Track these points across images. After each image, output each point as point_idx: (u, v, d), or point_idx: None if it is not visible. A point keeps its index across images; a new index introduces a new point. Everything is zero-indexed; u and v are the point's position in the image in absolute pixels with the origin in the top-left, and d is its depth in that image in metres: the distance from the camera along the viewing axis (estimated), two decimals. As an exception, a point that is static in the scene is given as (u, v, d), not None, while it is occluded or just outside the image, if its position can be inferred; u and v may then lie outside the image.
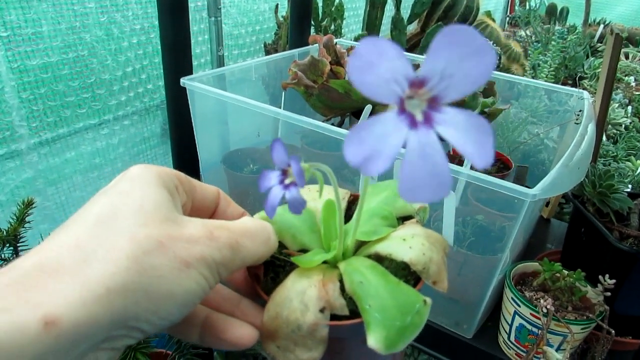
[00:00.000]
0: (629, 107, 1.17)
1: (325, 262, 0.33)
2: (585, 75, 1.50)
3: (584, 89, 1.14)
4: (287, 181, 0.30)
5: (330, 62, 0.81)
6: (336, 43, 0.87)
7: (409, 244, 0.32)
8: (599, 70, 1.41)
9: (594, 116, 0.74)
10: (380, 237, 0.33)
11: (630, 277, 0.61)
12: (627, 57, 1.65)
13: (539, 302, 0.57)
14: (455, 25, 0.19)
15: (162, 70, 0.88)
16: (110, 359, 0.23)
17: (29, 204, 0.66)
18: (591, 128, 0.67)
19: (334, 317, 0.29)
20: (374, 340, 0.26)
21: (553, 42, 1.42)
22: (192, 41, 0.86)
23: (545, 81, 1.17)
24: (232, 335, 0.29)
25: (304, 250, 0.34)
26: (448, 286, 0.32)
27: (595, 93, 0.79)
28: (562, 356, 0.55)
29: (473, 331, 0.65)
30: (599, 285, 0.59)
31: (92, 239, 0.23)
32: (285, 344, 0.29)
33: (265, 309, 0.30)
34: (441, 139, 0.21)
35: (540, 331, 0.57)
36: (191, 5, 1.02)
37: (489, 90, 0.84)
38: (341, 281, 0.30)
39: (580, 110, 0.77)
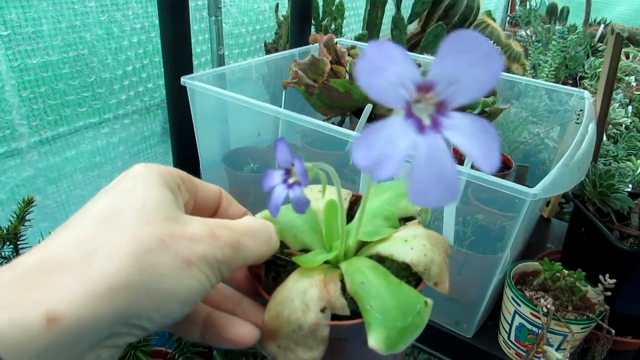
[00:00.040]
0: (630, 107, 1.17)
1: (326, 262, 0.33)
2: (586, 75, 1.50)
3: (585, 88, 1.14)
4: (290, 180, 0.30)
5: (330, 62, 0.81)
6: (336, 42, 0.87)
7: (410, 245, 0.32)
8: (600, 69, 1.42)
9: (594, 116, 0.74)
10: (382, 237, 0.33)
11: (630, 277, 0.61)
12: (627, 57, 1.65)
13: (539, 301, 0.57)
14: (463, 31, 0.20)
15: (162, 69, 0.88)
16: (112, 356, 0.23)
17: (29, 203, 0.66)
18: (592, 128, 0.67)
19: (335, 317, 0.29)
20: (374, 340, 0.26)
21: (553, 42, 1.42)
22: (193, 40, 0.86)
23: (546, 81, 1.17)
24: (234, 333, 0.29)
25: (305, 250, 0.34)
26: (449, 286, 0.32)
27: (595, 93, 0.79)
28: (562, 356, 0.55)
29: (473, 330, 0.65)
30: (599, 284, 0.59)
31: (95, 237, 0.23)
32: (286, 344, 0.29)
33: (266, 308, 0.30)
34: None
35: (540, 331, 0.57)
36: (191, 4, 1.02)
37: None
38: (342, 281, 0.30)
39: (581, 110, 0.77)
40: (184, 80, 0.75)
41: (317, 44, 0.85)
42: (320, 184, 0.32)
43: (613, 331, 0.57)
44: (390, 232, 0.34)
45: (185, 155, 0.91)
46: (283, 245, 0.34)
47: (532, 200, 0.50)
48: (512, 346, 0.62)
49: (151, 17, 1.13)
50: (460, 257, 0.62)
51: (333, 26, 1.46)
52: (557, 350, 0.57)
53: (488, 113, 0.78)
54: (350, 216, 0.37)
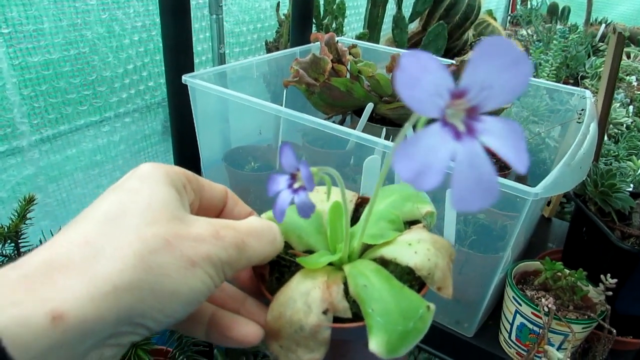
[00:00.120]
0: (631, 107, 1.17)
1: (330, 263, 0.33)
2: (587, 75, 1.50)
3: (586, 88, 1.14)
4: (295, 185, 0.30)
5: (331, 60, 0.81)
6: (338, 41, 0.86)
7: (414, 248, 0.32)
8: (601, 69, 1.41)
9: (596, 115, 0.74)
10: (387, 240, 0.33)
11: (631, 277, 0.61)
12: (628, 57, 1.65)
13: (540, 301, 0.57)
14: (493, 37, 0.20)
15: (163, 68, 0.87)
16: (115, 355, 0.24)
17: (30, 201, 0.66)
18: (593, 127, 0.67)
19: (338, 319, 0.29)
20: (375, 344, 0.26)
21: (554, 41, 1.42)
22: (194, 38, 0.86)
23: (547, 80, 1.16)
24: (238, 333, 0.29)
25: (309, 251, 0.34)
26: (452, 291, 0.32)
27: (596, 92, 0.79)
28: (563, 355, 0.55)
29: (474, 330, 0.65)
30: (600, 284, 0.59)
31: (101, 236, 0.23)
32: (287, 344, 0.29)
33: (269, 309, 0.30)
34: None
35: (541, 330, 0.57)
36: (193, 2, 1.02)
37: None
38: (346, 284, 0.30)
39: (582, 109, 0.77)
40: (185, 78, 0.75)
41: (318, 42, 0.85)
42: (326, 185, 0.32)
43: (614, 331, 0.57)
44: (395, 235, 0.34)
45: (186, 154, 0.91)
46: (287, 245, 0.34)
47: (534, 200, 0.50)
48: (513, 345, 0.62)
49: (152, 15, 1.13)
50: (462, 256, 0.62)
51: (334, 25, 1.46)
52: (558, 349, 0.57)
53: (489, 112, 0.78)
54: (355, 218, 0.37)
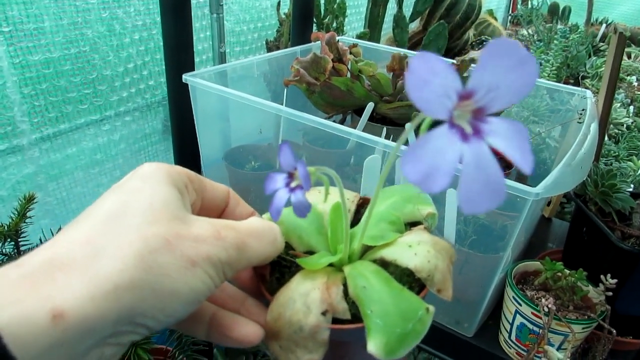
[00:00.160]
0: (631, 107, 1.17)
1: (331, 264, 0.33)
2: (588, 75, 1.49)
3: (586, 88, 1.14)
4: (293, 184, 0.30)
5: (332, 60, 0.81)
6: (338, 40, 0.86)
7: (414, 250, 0.32)
8: (601, 69, 1.41)
9: (596, 115, 0.74)
10: (387, 242, 0.33)
11: (632, 277, 0.61)
12: (629, 57, 1.64)
13: (540, 301, 0.57)
14: (500, 38, 0.20)
15: (163, 67, 0.87)
16: (116, 354, 0.24)
17: (30, 199, 0.66)
18: (594, 127, 0.67)
19: (337, 320, 0.29)
20: (373, 346, 0.26)
21: (555, 41, 1.42)
22: (194, 38, 0.86)
23: (548, 80, 1.16)
24: (239, 333, 0.29)
25: (310, 252, 0.34)
26: (452, 293, 0.31)
27: (597, 92, 0.79)
28: (563, 355, 0.55)
29: (474, 330, 0.65)
30: (600, 284, 0.59)
31: (102, 236, 0.24)
32: (287, 344, 0.29)
33: (269, 309, 0.30)
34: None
35: (541, 330, 0.57)
36: (193, 2, 1.02)
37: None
38: (345, 285, 0.30)
39: (583, 110, 0.77)
40: (186, 77, 0.75)
41: (319, 42, 0.85)
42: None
43: (614, 331, 0.57)
44: (395, 236, 0.34)
45: (187, 153, 0.91)
46: (288, 246, 0.34)
47: (534, 200, 0.50)
48: (513, 346, 0.62)
49: (153, 14, 1.13)
50: (462, 256, 0.62)
51: (335, 24, 1.46)
52: (557, 350, 0.57)
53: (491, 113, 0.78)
54: (357, 219, 0.37)
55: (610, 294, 0.59)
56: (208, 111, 0.82)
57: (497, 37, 1.76)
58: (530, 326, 0.58)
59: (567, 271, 0.60)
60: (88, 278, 0.22)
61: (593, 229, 0.65)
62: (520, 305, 0.59)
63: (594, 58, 1.59)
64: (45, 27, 0.93)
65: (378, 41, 1.53)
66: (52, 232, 0.70)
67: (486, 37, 1.86)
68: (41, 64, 0.94)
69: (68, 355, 0.21)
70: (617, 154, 0.97)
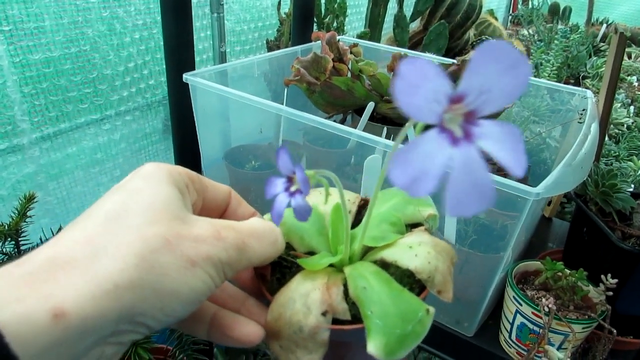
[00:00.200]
0: (632, 107, 1.17)
1: (331, 265, 0.33)
2: (588, 75, 1.49)
3: (587, 88, 1.13)
4: (292, 188, 0.30)
5: (332, 59, 0.81)
6: (339, 40, 0.86)
7: (415, 251, 0.32)
8: (602, 69, 1.41)
9: (597, 115, 0.74)
10: (387, 243, 0.33)
11: (632, 277, 0.61)
12: (629, 57, 1.64)
13: (541, 301, 0.57)
14: (492, 41, 0.20)
15: (164, 66, 0.87)
16: (116, 353, 0.24)
17: (30, 199, 0.66)
18: (594, 127, 0.67)
19: (337, 321, 0.29)
20: (373, 347, 0.26)
21: (556, 41, 1.42)
22: (194, 37, 0.86)
23: (548, 80, 1.16)
24: (240, 332, 0.29)
25: (311, 253, 0.34)
26: (452, 295, 0.31)
27: (597, 92, 0.79)
28: (563, 355, 0.55)
29: (474, 329, 0.65)
30: (600, 284, 0.59)
31: (103, 235, 0.24)
32: (287, 345, 0.29)
33: (269, 309, 0.30)
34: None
35: (541, 330, 0.57)
36: (194, 1, 1.02)
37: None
38: (346, 285, 0.30)
39: (583, 110, 0.77)
40: (186, 77, 0.75)
41: (320, 41, 0.85)
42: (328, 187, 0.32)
43: (614, 331, 0.57)
44: (396, 238, 0.34)
45: (187, 152, 0.91)
46: (289, 246, 0.34)
47: (535, 200, 0.50)
48: (513, 345, 0.62)
49: (153, 13, 1.13)
50: (462, 256, 0.62)
51: (335, 24, 1.46)
52: (558, 349, 0.57)
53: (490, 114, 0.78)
54: (358, 220, 0.37)
55: (611, 293, 0.59)
56: (208, 110, 0.82)
57: (497, 37, 1.76)
58: (531, 326, 0.58)
59: (568, 271, 0.60)
60: (89, 277, 0.22)
61: (593, 228, 0.65)
62: (521, 305, 0.58)
63: (595, 58, 1.59)
64: (46, 26, 0.93)
65: (378, 41, 1.53)
66: (52, 231, 0.70)
67: (486, 37, 1.86)
68: (41, 63, 0.94)
69: (69, 354, 0.21)
70: (617, 154, 0.97)
